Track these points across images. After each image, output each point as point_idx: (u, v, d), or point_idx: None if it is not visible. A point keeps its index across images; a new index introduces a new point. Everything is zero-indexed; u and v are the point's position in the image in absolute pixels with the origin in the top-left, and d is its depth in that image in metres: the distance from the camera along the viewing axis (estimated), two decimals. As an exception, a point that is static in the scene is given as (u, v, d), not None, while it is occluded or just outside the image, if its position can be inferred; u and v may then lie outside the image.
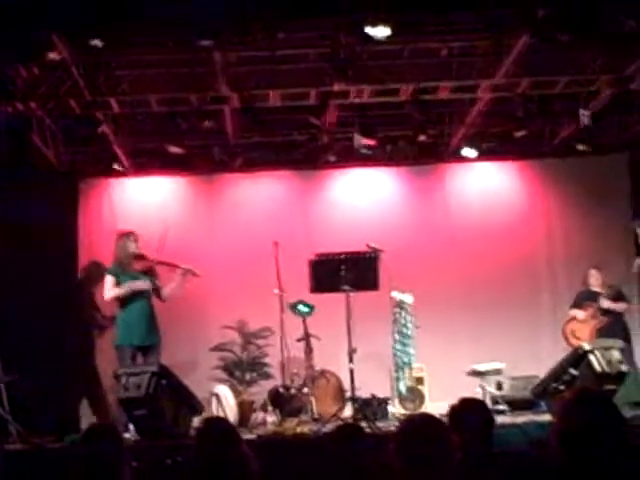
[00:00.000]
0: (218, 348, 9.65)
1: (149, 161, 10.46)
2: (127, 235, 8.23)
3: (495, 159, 10.80)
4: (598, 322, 9.19)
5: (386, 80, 8.42)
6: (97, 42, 7.10)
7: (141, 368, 7.64)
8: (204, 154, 10.44)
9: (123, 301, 8.07)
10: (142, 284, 8.02)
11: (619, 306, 9.19)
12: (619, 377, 8.01)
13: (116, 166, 10.17)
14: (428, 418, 3.53)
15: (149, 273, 8.18)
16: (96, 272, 8.73)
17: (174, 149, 9.59)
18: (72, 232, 10.28)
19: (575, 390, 3.43)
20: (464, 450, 3.33)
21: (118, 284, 8.02)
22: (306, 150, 10.47)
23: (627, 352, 8.49)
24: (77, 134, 9.71)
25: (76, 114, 8.78)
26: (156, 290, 8.19)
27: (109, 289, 8.05)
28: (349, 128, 9.73)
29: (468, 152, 10.24)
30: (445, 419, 3.72)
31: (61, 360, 9.63)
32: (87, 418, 8.73)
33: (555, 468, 3.06)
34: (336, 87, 8.48)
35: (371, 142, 9.50)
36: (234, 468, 3.79)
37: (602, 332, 8.99)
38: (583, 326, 9.28)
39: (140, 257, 8.15)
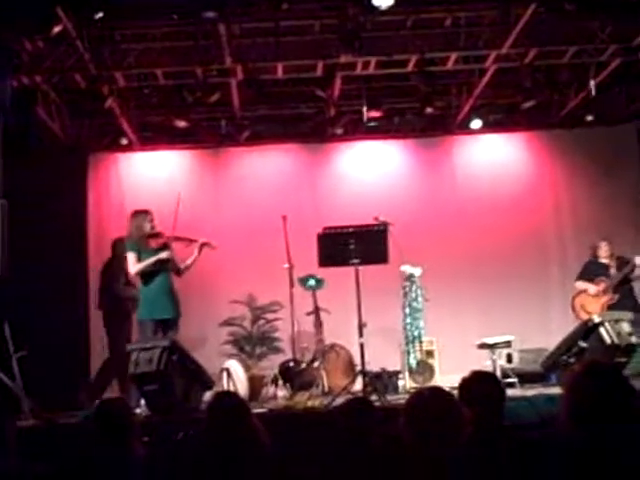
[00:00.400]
0: (227, 323, 9.66)
1: (156, 135, 10.45)
2: (143, 214, 8.21)
3: (503, 131, 10.76)
4: (609, 299, 9.13)
5: (392, 51, 8.37)
6: (101, 15, 7.07)
7: (152, 343, 7.66)
8: (210, 127, 10.43)
9: (145, 277, 8.11)
10: (165, 254, 8.05)
11: (637, 260, 9.03)
12: (629, 349, 8.00)
13: (123, 140, 10.16)
14: (438, 391, 3.54)
15: (164, 249, 8.21)
16: (123, 248, 8.74)
17: (180, 123, 9.56)
18: (81, 206, 10.29)
19: (585, 362, 3.42)
20: (475, 423, 3.33)
21: (139, 260, 8.06)
22: (313, 123, 10.44)
23: (637, 324, 8.47)
24: (83, 108, 9.70)
25: (81, 88, 8.76)
26: (173, 267, 8.23)
27: (133, 264, 8.08)
28: (356, 100, 9.69)
29: (476, 124, 10.20)
30: (455, 392, 3.72)
31: (72, 336, 9.71)
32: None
33: (565, 441, 3.06)
34: (342, 59, 8.43)
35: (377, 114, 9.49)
36: (245, 441, 3.80)
37: (615, 305, 8.94)
38: (593, 301, 9.22)
39: (156, 235, 8.16)
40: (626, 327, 7.97)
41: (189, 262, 8.27)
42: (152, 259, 8.00)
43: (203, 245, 8.23)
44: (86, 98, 9.33)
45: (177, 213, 8.07)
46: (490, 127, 10.48)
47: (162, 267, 8.12)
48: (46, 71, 8.29)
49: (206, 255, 8.55)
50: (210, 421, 3.97)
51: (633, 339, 8.00)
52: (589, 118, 9.89)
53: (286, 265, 8.54)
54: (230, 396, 4.63)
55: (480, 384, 4.02)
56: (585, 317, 9.02)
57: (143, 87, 9.27)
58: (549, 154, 10.79)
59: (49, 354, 9.00)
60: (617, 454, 2.81)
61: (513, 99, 9.90)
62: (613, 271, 9.17)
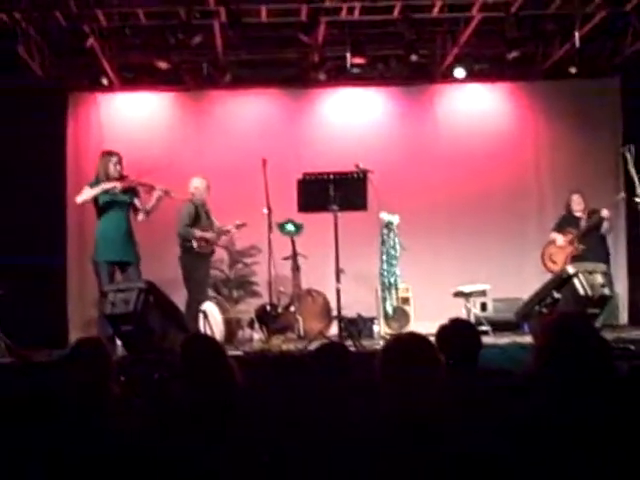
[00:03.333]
0: (206, 266, 9.67)
1: (137, 76, 10.32)
2: (109, 156, 8.21)
3: (486, 81, 10.70)
4: (574, 249, 9.24)
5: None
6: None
7: (128, 284, 7.68)
8: (192, 70, 10.32)
9: (101, 217, 8.10)
10: (110, 185, 8.02)
11: (603, 212, 9.13)
12: (602, 301, 8.10)
13: (103, 80, 10.04)
14: (415, 336, 3.57)
15: (128, 192, 8.20)
16: None
17: (162, 64, 9.45)
18: (60, 146, 10.20)
19: (556, 313, 3.46)
20: (449, 370, 3.37)
21: (95, 201, 8.08)
22: (296, 68, 10.36)
23: (608, 275, 8.57)
24: (64, 47, 9.57)
25: (62, 26, 8.63)
26: (133, 206, 8.23)
27: (81, 194, 8.10)
28: (340, 47, 9.61)
29: (459, 73, 10.15)
30: (431, 339, 3.76)
31: (50, 278, 9.70)
32: (75, 333, 8.83)
33: (536, 389, 3.11)
34: (327, 3, 8.34)
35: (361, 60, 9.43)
36: (219, 381, 3.84)
37: (585, 257, 9.03)
38: (560, 251, 9.34)
39: (121, 178, 8.16)
40: (599, 279, 8.06)
41: (148, 207, 8.28)
42: (96, 189, 8.00)
43: (163, 193, 8.25)
44: (67, 37, 9.20)
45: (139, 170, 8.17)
46: (474, 77, 10.43)
47: (118, 207, 8.10)
48: (26, 8, 8.15)
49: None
50: (184, 361, 4.00)
51: (606, 291, 8.11)
52: (573, 70, 9.85)
53: (265, 210, 8.54)
54: (204, 337, 4.67)
55: (458, 332, 4.06)
56: (551, 267, 9.18)
57: (125, 27, 9.14)
58: (532, 106, 10.76)
59: (27, 295, 9.01)
60: (584, 404, 2.86)
61: (498, 50, 9.85)
62: (583, 223, 9.27)
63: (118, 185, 8.05)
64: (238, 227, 8.85)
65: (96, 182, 8.12)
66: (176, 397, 3.93)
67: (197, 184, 8.73)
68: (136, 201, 8.26)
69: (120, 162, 8.16)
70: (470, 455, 2.61)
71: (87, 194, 8.07)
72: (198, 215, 8.67)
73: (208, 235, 8.65)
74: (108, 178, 8.07)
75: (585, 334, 3.13)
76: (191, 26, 8.72)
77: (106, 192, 8.03)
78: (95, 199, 8.06)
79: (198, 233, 8.57)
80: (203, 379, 3.82)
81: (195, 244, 8.54)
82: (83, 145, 10.32)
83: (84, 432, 3.04)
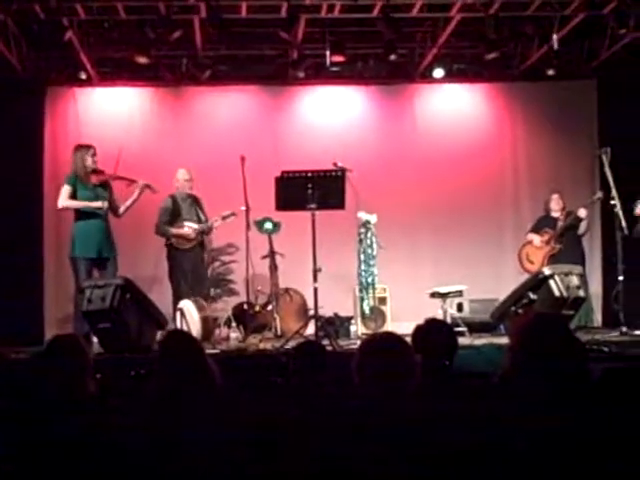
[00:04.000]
0: (183, 263, 9.62)
1: (116, 71, 10.27)
2: (86, 148, 8.19)
3: (464, 81, 10.74)
4: (551, 249, 9.31)
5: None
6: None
7: (105, 281, 7.65)
8: (172, 65, 10.28)
9: (80, 212, 8.08)
10: (99, 204, 8.01)
11: (580, 211, 9.20)
12: (577, 302, 8.16)
13: (82, 74, 9.98)
14: (391, 336, 3.59)
15: (105, 186, 8.18)
16: None
17: (141, 59, 9.41)
18: (38, 139, 10.13)
19: (532, 314, 3.48)
20: (425, 370, 3.39)
21: (74, 196, 8.03)
22: (275, 65, 10.35)
23: (583, 278, 8.64)
24: (42, 41, 9.50)
25: (41, 19, 8.58)
26: (112, 206, 8.22)
27: (64, 198, 8.06)
28: (319, 44, 9.61)
29: (438, 73, 10.19)
30: (407, 339, 3.77)
31: (27, 274, 9.64)
32: (51, 330, 8.79)
33: (512, 391, 3.13)
34: (307, 1, 8.34)
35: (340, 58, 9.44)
36: (197, 380, 3.84)
37: (562, 257, 9.10)
38: (537, 251, 9.40)
39: (97, 172, 8.14)
40: (575, 280, 8.12)
41: (129, 203, 8.31)
42: (84, 204, 7.99)
43: (144, 187, 8.27)
44: (45, 30, 9.14)
45: (118, 163, 8.10)
46: (452, 77, 10.47)
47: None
48: (4, 1, 8.08)
49: (164, 194, 8.58)
50: (162, 358, 3.99)
51: (581, 292, 8.17)
52: (550, 72, 9.91)
53: (243, 207, 8.53)
54: (182, 334, 4.66)
55: (434, 333, 4.08)
56: (529, 267, 9.25)
57: (104, 21, 9.10)
58: (509, 107, 10.82)
59: (2, 291, 8.96)
60: (557, 405, 2.89)
61: (477, 50, 9.90)
62: (560, 224, 9.34)
63: (105, 205, 8.03)
64: (225, 218, 8.74)
65: (74, 177, 8.09)
66: (152, 394, 3.92)
67: (178, 176, 8.78)
68: (112, 197, 8.27)
69: (95, 154, 8.16)
70: (443, 455, 2.63)
71: (71, 204, 8.04)
72: (178, 209, 8.65)
73: (182, 231, 8.62)
74: (86, 171, 8.06)
75: (559, 335, 3.16)
76: (171, 21, 8.69)
77: (89, 202, 8.02)
78: (74, 195, 8.03)
79: (172, 231, 8.57)
80: (181, 376, 3.82)
81: (173, 240, 8.55)
82: (61, 140, 10.25)
83: (60, 430, 3.02)
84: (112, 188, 8.28)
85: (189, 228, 8.62)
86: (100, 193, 8.10)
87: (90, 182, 8.08)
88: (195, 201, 8.83)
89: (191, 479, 2.54)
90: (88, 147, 8.20)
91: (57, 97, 10.40)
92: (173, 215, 8.62)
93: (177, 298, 8.38)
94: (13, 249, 9.53)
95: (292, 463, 2.50)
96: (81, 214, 8.07)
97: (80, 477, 2.64)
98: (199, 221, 8.73)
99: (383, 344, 3.42)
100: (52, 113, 10.35)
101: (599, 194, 9.17)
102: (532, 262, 9.34)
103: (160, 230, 8.62)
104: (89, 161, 8.08)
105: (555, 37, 8.92)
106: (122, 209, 8.30)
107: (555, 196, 9.47)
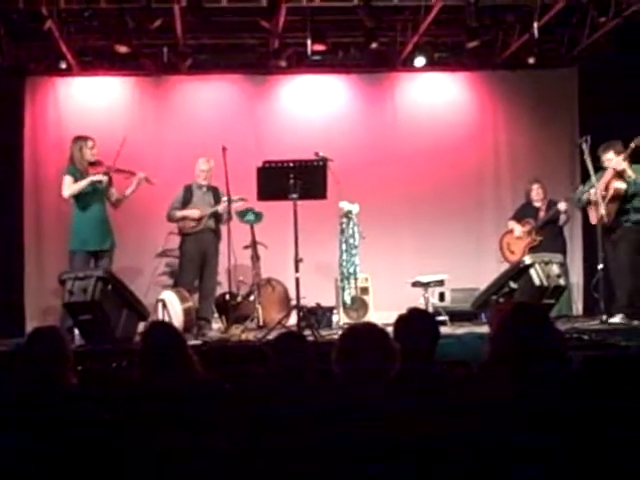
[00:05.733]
0: (165, 254, 9.60)
1: (96, 60, 10.18)
2: (84, 140, 8.20)
3: (446, 69, 10.73)
4: (531, 240, 9.33)
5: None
6: None
7: (86, 272, 7.63)
8: (152, 54, 10.22)
9: (80, 205, 8.08)
10: (99, 177, 8.06)
11: (561, 205, 9.22)
12: (557, 291, 8.21)
13: (62, 64, 9.91)
14: (371, 327, 3.60)
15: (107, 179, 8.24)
16: None
17: (121, 48, 9.35)
18: (18, 129, 10.07)
19: (512, 303, 3.51)
20: (405, 360, 3.40)
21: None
22: (256, 54, 10.31)
23: (565, 266, 8.68)
24: (22, 30, 9.43)
25: (19, 8, 8.51)
26: (110, 198, 8.27)
27: (68, 186, 8.07)
28: (300, 33, 9.58)
29: (419, 61, 10.18)
30: (389, 329, 3.78)
31: (5, 262, 9.59)
32: (32, 322, 8.76)
33: (491, 380, 3.15)
34: (288, -11, 8.32)
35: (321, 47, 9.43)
36: (179, 371, 3.84)
37: (543, 248, 9.12)
38: (518, 241, 9.43)
39: (96, 163, 8.17)
40: (555, 269, 8.16)
41: (127, 193, 8.34)
42: (86, 180, 8.01)
43: (142, 180, 8.34)
44: (25, 20, 9.07)
45: (119, 154, 8.11)
46: (434, 65, 10.46)
47: (97, 196, 8.12)
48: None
49: (144, 185, 8.56)
50: (144, 350, 3.99)
51: (561, 281, 8.21)
52: (531, 60, 9.92)
53: (225, 198, 8.52)
54: (164, 325, 4.66)
55: (416, 322, 4.08)
56: (509, 256, 9.29)
57: (84, 10, 9.02)
58: (491, 95, 10.82)
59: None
60: (537, 393, 2.91)
61: (458, 38, 9.89)
62: (542, 214, 9.37)
63: (105, 178, 8.05)
64: (233, 203, 8.55)
65: (74, 168, 8.10)
66: (134, 386, 3.92)
67: (196, 166, 8.84)
68: (112, 189, 8.33)
69: (94, 146, 8.23)
70: (424, 444, 2.64)
71: (75, 187, 8.04)
72: (189, 197, 8.73)
73: (187, 212, 8.64)
74: (85, 163, 8.10)
75: (539, 324, 3.19)
76: (151, 10, 8.65)
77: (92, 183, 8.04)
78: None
79: (178, 213, 8.64)
80: (163, 367, 3.82)
81: (180, 224, 8.68)
82: (41, 130, 10.19)
83: (41, 421, 3.02)
84: (112, 179, 8.31)
85: (196, 209, 8.62)
86: (100, 187, 8.15)
87: (89, 173, 8.12)
88: (211, 190, 8.80)
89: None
90: (86, 139, 8.24)
91: (37, 87, 10.33)
92: (184, 203, 8.71)
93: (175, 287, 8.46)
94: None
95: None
96: (82, 205, 8.09)
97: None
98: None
99: (361, 334, 3.43)
100: (32, 103, 10.27)
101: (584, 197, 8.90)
102: (513, 252, 9.37)
103: (168, 215, 8.73)
104: (88, 154, 8.14)
105: (536, 25, 8.92)
106: (120, 198, 8.41)
107: (535, 186, 9.50)
